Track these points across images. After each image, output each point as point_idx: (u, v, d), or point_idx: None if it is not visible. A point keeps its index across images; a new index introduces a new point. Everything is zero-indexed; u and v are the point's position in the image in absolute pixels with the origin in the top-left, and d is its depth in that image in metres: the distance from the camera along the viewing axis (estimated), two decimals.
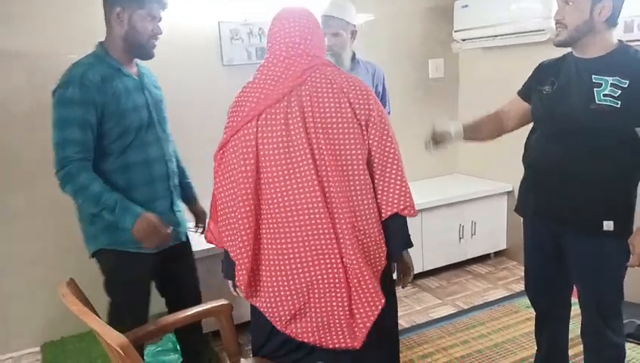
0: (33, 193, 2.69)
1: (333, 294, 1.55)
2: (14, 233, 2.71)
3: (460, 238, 3.53)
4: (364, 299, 1.54)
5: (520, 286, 3.17)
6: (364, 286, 1.53)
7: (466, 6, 3.51)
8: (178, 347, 2.49)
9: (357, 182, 1.53)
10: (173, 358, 2.61)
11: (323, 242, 1.51)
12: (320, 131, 1.49)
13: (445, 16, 3.69)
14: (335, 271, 1.53)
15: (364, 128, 1.55)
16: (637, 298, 2.46)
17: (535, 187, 1.93)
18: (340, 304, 1.55)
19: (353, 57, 2.50)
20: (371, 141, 1.56)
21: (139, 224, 1.79)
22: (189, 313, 1.70)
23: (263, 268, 1.58)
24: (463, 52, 3.81)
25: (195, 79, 3.04)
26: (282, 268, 1.54)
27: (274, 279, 1.56)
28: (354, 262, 1.50)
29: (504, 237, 3.71)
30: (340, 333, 1.57)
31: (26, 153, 2.66)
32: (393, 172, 1.59)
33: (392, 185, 1.58)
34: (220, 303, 1.74)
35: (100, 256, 1.94)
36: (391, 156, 1.59)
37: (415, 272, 3.32)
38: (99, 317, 1.35)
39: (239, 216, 1.55)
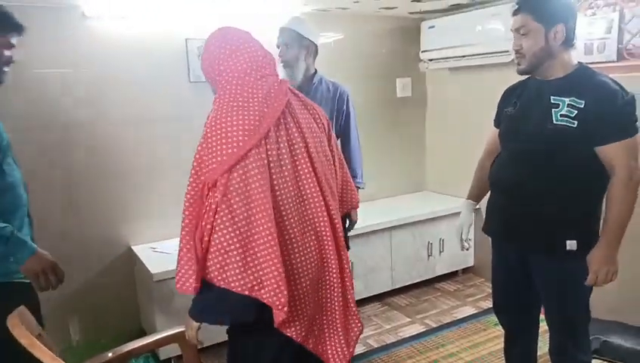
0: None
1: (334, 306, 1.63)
2: None
3: (429, 255, 3.54)
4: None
5: (488, 304, 3.20)
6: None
7: (432, 27, 3.58)
8: None
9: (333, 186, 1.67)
10: None
11: (330, 254, 1.57)
12: (316, 147, 1.57)
13: (412, 36, 3.75)
14: (336, 282, 1.60)
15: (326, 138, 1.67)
16: (602, 314, 2.50)
17: (499, 207, 1.96)
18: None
19: (314, 75, 2.51)
20: (333, 149, 1.70)
21: (34, 261, 1.62)
22: (152, 340, 1.64)
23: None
24: (430, 72, 3.87)
25: (162, 95, 2.99)
26: (301, 287, 1.52)
27: (301, 300, 1.53)
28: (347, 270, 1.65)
29: (472, 255, 3.74)
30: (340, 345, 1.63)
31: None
32: (347, 174, 1.80)
33: (351, 185, 1.82)
34: (181, 332, 1.68)
35: None
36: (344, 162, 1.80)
37: (385, 290, 3.37)
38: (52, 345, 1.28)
39: (262, 242, 1.41)
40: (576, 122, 1.69)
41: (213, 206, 1.38)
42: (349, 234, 2.60)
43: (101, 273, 2.94)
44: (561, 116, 1.72)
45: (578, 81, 1.74)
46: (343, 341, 1.61)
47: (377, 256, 3.32)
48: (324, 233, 1.55)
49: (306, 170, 1.51)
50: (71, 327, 2.89)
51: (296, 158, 1.50)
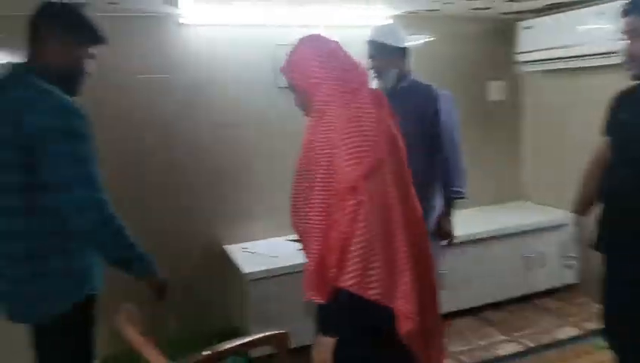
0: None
1: None
2: None
3: (527, 269, 3.31)
4: None
5: (593, 325, 2.92)
6: None
7: (530, 27, 3.39)
8: None
9: None
10: None
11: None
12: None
13: (506, 37, 3.57)
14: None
15: None
16: None
17: (615, 222, 1.81)
18: None
19: (405, 77, 2.44)
20: None
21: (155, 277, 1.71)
22: (247, 340, 1.60)
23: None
24: (526, 74, 3.66)
25: (252, 99, 3.04)
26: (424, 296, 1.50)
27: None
28: None
29: (575, 270, 3.44)
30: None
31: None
32: None
33: None
34: (278, 332, 1.64)
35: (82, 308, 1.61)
36: None
37: (478, 304, 3.18)
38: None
39: (400, 250, 1.41)
40: None
41: (351, 213, 1.35)
42: None
43: (196, 270, 3.01)
44: None
45: None
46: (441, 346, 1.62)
47: (470, 268, 3.15)
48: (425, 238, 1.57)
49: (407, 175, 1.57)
50: (169, 322, 2.97)
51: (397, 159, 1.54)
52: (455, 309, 3.13)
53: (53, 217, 1.51)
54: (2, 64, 1.68)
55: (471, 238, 3.11)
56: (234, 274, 2.81)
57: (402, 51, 2.42)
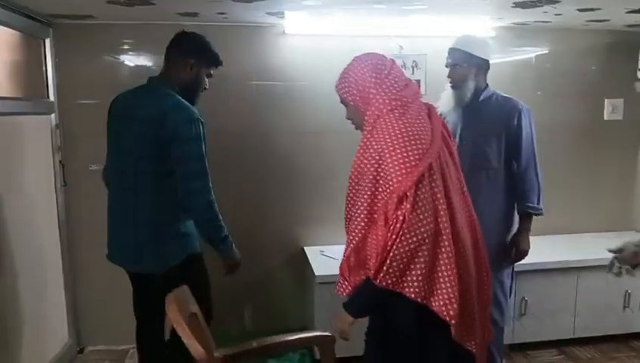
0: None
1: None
2: None
3: (625, 307, 3.02)
4: None
5: None
6: None
7: None
8: None
9: None
10: None
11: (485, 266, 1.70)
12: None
13: (628, 52, 3.27)
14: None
15: None
16: None
17: None
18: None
19: (483, 90, 2.38)
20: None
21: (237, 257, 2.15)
22: (291, 338, 1.72)
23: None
24: None
25: (340, 109, 3.11)
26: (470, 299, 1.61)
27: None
28: None
29: None
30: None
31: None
32: None
33: None
34: (323, 334, 1.73)
35: (188, 263, 2.07)
36: None
37: (564, 338, 2.98)
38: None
39: (444, 256, 1.49)
40: None
41: (400, 217, 1.43)
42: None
43: (276, 269, 3.20)
44: None
45: None
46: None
47: (559, 298, 2.95)
48: (480, 244, 1.65)
49: (456, 179, 1.63)
50: (245, 314, 3.21)
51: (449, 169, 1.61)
52: (537, 340, 2.97)
53: (172, 196, 1.98)
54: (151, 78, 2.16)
55: (563, 266, 2.91)
56: (309, 275, 2.94)
57: (487, 65, 2.37)
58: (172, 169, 1.95)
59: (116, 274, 3.06)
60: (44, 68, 2.77)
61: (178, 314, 1.30)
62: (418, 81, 3.16)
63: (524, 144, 2.35)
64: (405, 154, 1.48)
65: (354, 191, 1.61)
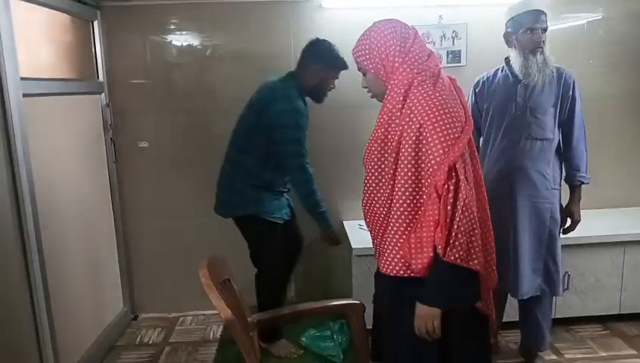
0: None
1: None
2: None
3: None
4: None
5: None
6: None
7: None
8: (335, 336, 2.61)
9: None
10: (329, 345, 2.73)
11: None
12: None
13: None
14: None
15: None
16: None
17: None
18: None
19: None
20: None
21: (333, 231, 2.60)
22: (321, 305, 1.78)
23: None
24: None
25: None
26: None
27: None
28: None
29: None
30: None
31: None
32: None
33: None
34: (353, 302, 1.78)
35: (249, 221, 2.48)
36: None
37: (610, 313, 2.90)
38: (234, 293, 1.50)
39: (487, 223, 1.60)
40: None
41: (453, 191, 1.42)
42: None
43: (317, 242, 3.25)
44: None
45: None
46: None
47: (603, 273, 2.87)
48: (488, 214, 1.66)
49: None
50: (292, 285, 3.30)
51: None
52: (580, 315, 2.91)
53: (274, 172, 2.44)
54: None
55: (609, 240, 2.82)
56: (347, 248, 2.98)
57: None
58: (267, 151, 2.36)
59: (167, 246, 3.25)
60: (93, 49, 2.91)
61: (209, 278, 1.38)
62: (459, 51, 3.10)
63: (577, 116, 2.31)
64: (448, 125, 1.45)
65: (375, 163, 1.59)
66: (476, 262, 1.45)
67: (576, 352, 2.71)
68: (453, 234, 1.42)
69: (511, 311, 2.67)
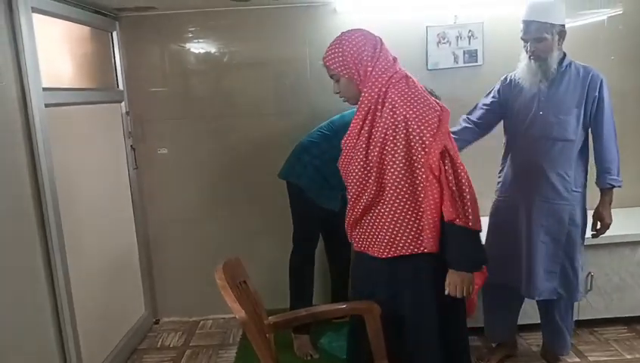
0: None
1: None
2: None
3: None
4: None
5: None
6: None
7: None
8: None
9: None
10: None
11: None
12: None
13: None
14: None
15: None
16: None
17: None
18: None
19: (563, 59, 2.26)
20: None
21: None
22: (337, 307, 1.79)
23: None
24: None
25: None
26: None
27: None
28: None
29: None
30: None
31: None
32: None
33: None
34: (369, 303, 1.77)
35: (296, 190, 2.69)
36: None
37: (635, 314, 2.83)
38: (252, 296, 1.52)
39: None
40: None
41: (451, 168, 1.65)
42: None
43: None
44: None
45: None
46: None
47: (627, 273, 2.81)
48: None
49: None
50: None
51: None
52: (604, 317, 2.86)
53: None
54: None
55: (633, 239, 2.76)
56: None
57: (564, 29, 2.22)
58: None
59: (187, 251, 3.30)
60: (112, 59, 2.97)
61: (224, 279, 1.39)
62: (475, 50, 3.08)
63: (606, 116, 2.24)
64: (428, 115, 1.66)
65: (357, 161, 1.76)
66: (478, 224, 1.69)
67: (600, 355, 2.66)
68: (464, 201, 1.64)
69: (533, 313, 2.64)
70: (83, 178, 2.53)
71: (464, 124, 2.46)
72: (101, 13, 2.80)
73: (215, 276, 1.43)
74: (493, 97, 2.43)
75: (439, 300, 1.76)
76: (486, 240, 2.38)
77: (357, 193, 1.78)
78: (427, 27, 3.05)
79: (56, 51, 2.53)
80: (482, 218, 1.73)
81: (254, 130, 3.18)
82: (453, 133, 2.16)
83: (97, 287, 2.62)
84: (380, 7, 3.02)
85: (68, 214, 2.27)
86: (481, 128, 2.45)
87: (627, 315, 2.89)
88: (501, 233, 2.40)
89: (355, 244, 1.88)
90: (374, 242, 1.78)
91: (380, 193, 1.73)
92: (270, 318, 1.72)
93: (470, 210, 1.64)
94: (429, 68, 3.09)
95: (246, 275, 1.72)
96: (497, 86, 2.44)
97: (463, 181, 1.65)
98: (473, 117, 2.46)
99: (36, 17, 2.13)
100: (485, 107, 2.44)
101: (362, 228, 1.83)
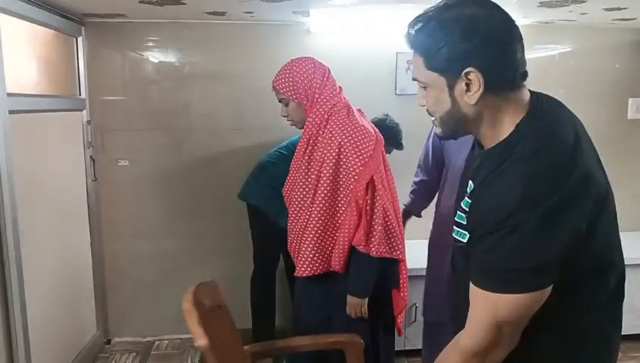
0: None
1: None
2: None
3: None
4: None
5: None
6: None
7: None
8: None
9: None
10: None
11: None
12: None
13: None
14: None
15: None
16: None
17: None
18: None
19: None
20: None
21: None
22: (317, 340, 1.74)
23: None
24: None
25: (370, 106, 3.10)
26: None
27: None
28: None
29: None
30: None
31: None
32: None
33: None
34: (352, 337, 1.74)
35: (252, 210, 2.75)
36: None
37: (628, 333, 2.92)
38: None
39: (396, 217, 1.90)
40: None
41: (368, 199, 1.77)
42: None
43: None
44: None
45: None
46: None
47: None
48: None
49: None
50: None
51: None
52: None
53: None
54: None
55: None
56: None
57: None
58: None
59: (144, 268, 3.16)
60: (76, 65, 2.84)
61: (191, 302, 1.31)
62: None
63: None
64: (362, 144, 1.77)
65: (299, 183, 1.87)
66: (398, 252, 1.84)
67: None
68: (373, 231, 1.76)
69: None
70: (41, 191, 2.38)
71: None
72: (68, 17, 2.67)
73: (184, 297, 1.34)
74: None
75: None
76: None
77: (295, 213, 1.88)
78: (397, 53, 3.12)
79: (20, 55, 2.39)
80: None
81: (214, 146, 3.12)
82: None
83: (52, 306, 2.46)
84: (353, 31, 3.06)
85: (25, 223, 2.12)
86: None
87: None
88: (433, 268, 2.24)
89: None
90: (298, 261, 1.87)
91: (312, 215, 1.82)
92: (249, 346, 1.67)
93: (374, 239, 1.76)
94: (397, 93, 3.15)
95: (222, 300, 1.65)
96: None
97: (376, 211, 1.76)
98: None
99: (1, 19, 2.00)
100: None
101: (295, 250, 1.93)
